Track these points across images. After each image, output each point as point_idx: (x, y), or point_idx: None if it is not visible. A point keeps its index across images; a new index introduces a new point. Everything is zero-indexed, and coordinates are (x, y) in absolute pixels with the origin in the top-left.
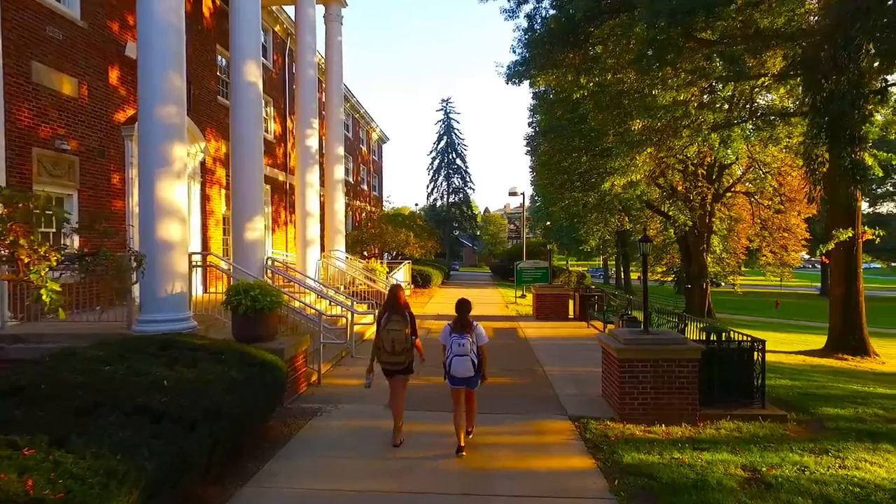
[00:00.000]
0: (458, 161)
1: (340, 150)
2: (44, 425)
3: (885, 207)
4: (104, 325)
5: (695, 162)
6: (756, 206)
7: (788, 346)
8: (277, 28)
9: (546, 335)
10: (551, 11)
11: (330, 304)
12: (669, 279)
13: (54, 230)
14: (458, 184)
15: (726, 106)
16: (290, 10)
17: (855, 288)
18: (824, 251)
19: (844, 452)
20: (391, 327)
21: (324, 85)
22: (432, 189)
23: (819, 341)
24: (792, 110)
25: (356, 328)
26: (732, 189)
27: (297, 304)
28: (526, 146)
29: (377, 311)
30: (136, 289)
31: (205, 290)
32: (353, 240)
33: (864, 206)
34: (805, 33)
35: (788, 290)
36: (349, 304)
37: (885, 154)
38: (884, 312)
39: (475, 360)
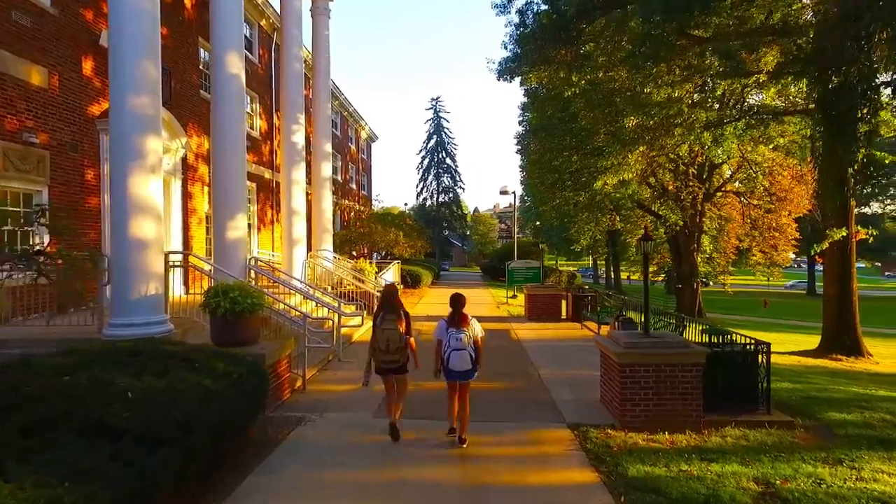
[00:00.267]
0: (448, 160)
1: (328, 147)
2: None
3: (871, 208)
4: (75, 330)
5: (686, 161)
6: (746, 206)
7: (780, 347)
8: (263, 22)
9: (539, 336)
10: (543, 7)
11: (316, 306)
12: (660, 279)
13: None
14: (447, 183)
15: (716, 105)
16: (276, 3)
17: (849, 288)
18: (818, 250)
19: (859, 462)
20: (386, 326)
21: (311, 80)
22: (422, 188)
23: (809, 341)
24: (783, 108)
25: (344, 331)
26: (723, 189)
27: (281, 306)
28: (516, 145)
29: (366, 312)
30: (109, 290)
31: (187, 292)
32: (342, 239)
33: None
34: (803, 28)
35: (776, 290)
36: (336, 305)
37: (879, 153)
38: (872, 312)
39: (472, 354)
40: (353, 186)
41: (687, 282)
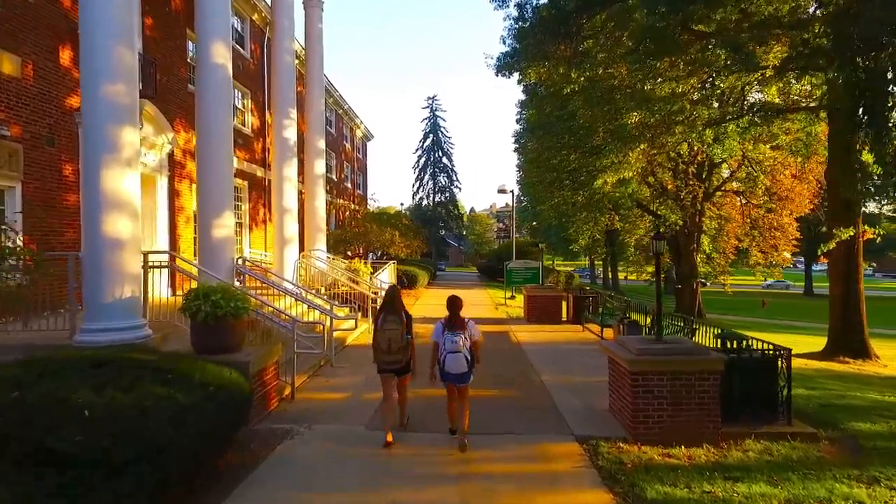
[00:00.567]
0: (445, 159)
1: (321, 144)
2: None
3: (867, 208)
4: (45, 335)
5: (686, 160)
6: (746, 206)
7: None
8: (255, 17)
9: (540, 339)
10: (542, 0)
11: (308, 309)
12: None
13: None
14: (444, 183)
15: (716, 104)
16: None
17: (855, 288)
18: (825, 250)
19: None
20: (387, 327)
21: (304, 75)
22: (418, 188)
23: (810, 342)
24: (786, 106)
25: (337, 334)
26: (723, 188)
27: (268, 309)
28: (514, 143)
29: (360, 315)
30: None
31: (174, 293)
32: (336, 239)
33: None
34: (824, 17)
35: (775, 290)
36: (328, 308)
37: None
38: (871, 312)
39: (468, 357)
40: (348, 185)
41: (686, 282)
